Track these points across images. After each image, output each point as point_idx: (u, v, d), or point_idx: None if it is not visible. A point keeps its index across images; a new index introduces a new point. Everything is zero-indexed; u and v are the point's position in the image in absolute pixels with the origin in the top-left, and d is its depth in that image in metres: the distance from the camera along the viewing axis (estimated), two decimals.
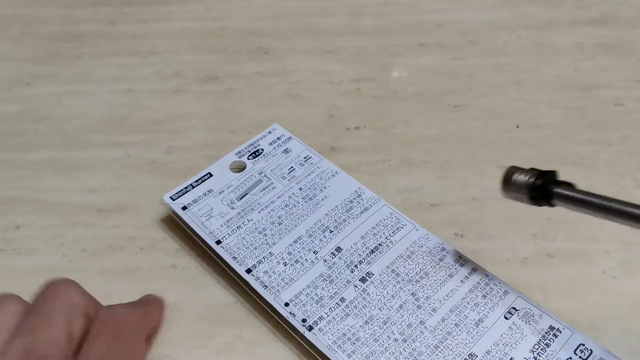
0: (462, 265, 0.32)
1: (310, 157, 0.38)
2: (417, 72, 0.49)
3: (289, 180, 0.37)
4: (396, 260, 0.33)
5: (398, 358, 0.29)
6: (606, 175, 0.40)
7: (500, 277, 0.34)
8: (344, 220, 0.35)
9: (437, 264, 0.32)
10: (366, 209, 0.35)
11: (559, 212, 0.38)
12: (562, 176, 0.40)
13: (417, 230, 0.34)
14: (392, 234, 0.34)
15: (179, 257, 0.35)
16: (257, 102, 0.46)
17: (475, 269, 0.32)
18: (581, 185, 0.39)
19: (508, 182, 0.29)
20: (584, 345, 0.29)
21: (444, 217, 0.38)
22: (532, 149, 0.42)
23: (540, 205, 0.29)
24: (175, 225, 0.36)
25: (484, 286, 0.31)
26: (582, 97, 0.47)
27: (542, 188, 0.28)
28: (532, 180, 0.28)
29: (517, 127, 0.44)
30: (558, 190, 0.28)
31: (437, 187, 0.39)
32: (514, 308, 0.30)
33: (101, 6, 0.55)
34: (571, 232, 0.37)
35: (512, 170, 0.29)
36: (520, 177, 0.28)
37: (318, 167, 0.38)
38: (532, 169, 0.29)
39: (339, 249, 0.33)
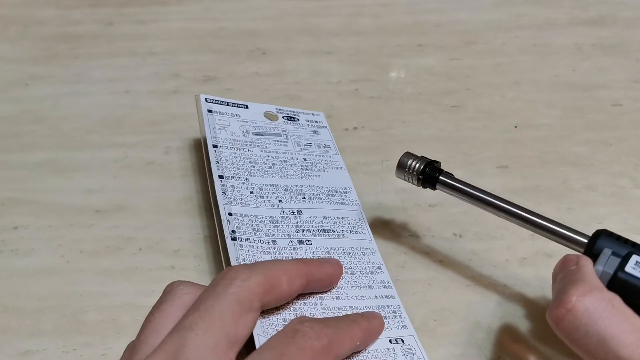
0: (385, 287, 0.33)
1: (330, 148, 0.40)
2: (415, 72, 0.49)
3: (301, 148, 0.40)
4: (337, 249, 0.34)
5: (282, 308, 0.29)
6: (604, 175, 0.40)
7: (499, 277, 0.34)
8: (319, 199, 0.37)
9: (366, 273, 0.33)
10: (342, 203, 0.37)
11: (558, 213, 0.38)
12: (561, 176, 0.40)
13: (369, 242, 0.35)
14: (347, 231, 0.35)
15: (178, 258, 0.35)
16: (256, 103, 0.46)
17: (393, 296, 0.33)
18: (580, 185, 0.40)
19: (402, 167, 0.34)
20: None
21: (442, 218, 0.38)
22: (530, 149, 0.42)
23: (424, 187, 0.34)
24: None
25: (391, 312, 0.32)
26: (580, 98, 0.47)
27: (430, 175, 0.33)
28: (422, 167, 0.33)
29: (515, 127, 0.44)
30: (442, 177, 0.33)
31: None
32: (402, 339, 0.31)
33: (99, 7, 0.55)
34: None
35: (407, 156, 0.34)
36: (413, 163, 0.34)
37: (330, 157, 0.40)
38: (423, 157, 0.34)
39: (299, 212, 0.35)
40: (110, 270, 0.35)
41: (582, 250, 0.29)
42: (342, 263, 0.33)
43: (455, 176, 0.34)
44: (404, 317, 0.32)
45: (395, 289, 0.33)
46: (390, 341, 0.30)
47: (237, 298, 0.25)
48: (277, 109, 0.42)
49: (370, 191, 0.39)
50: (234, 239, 0.32)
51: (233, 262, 0.31)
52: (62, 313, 0.32)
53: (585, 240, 0.29)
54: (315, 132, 0.41)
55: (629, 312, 0.24)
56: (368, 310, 0.31)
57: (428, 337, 0.32)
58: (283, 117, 0.41)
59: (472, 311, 0.33)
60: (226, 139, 0.38)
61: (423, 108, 0.45)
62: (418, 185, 0.34)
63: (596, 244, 0.28)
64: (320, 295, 0.31)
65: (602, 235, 0.29)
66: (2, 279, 0.34)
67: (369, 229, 0.36)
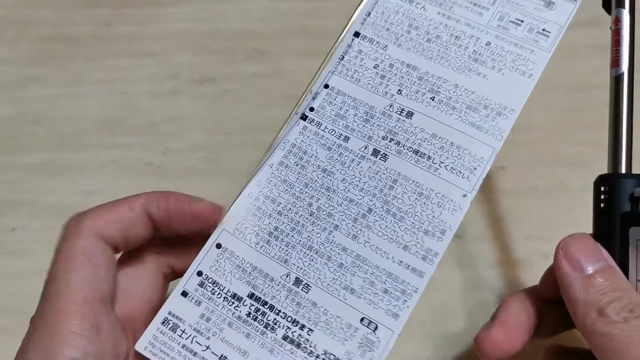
0: (423, 259, 0.27)
1: (547, 37, 0.31)
2: None
3: (498, 26, 0.29)
4: (409, 182, 0.27)
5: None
6: None
7: (497, 277, 0.34)
8: (452, 107, 0.28)
9: (417, 230, 0.26)
10: (477, 127, 0.28)
11: (556, 214, 0.38)
12: (559, 177, 0.40)
13: (464, 196, 0.27)
14: (446, 167, 0.27)
15: None
16: (253, 104, 0.46)
17: (422, 274, 0.27)
18: (577, 186, 0.40)
19: None
20: None
21: None
22: (526, 150, 0.42)
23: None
24: None
25: (400, 291, 0.26)
26: (576, 98, 0.47)
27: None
28: None
29: (513, 128, 0.44)
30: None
31: None
32: (376, 327, 0.26)
33: (97, 8, 0.55)
34: (568, 233, 0.37)
35: None
36: None
37: (531, 52, 0.30)
38: None
39: (410, 114, 0.28)
40: None
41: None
42: (401, 201, 0.27)
43: None
44: (407, 307, 0.26)
45: (436, 265, 0.26)
46: (362, 319, 0.25)
47: (71, 247, 0.25)
48: None
49: None
50: (304, 117, 0.28)
51: (280, 144, 0.27)
52: None
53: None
54: (549, 3, 0.30)
55: None
56: (367, 271, 0.26)
57: (427, 338, 0.32)
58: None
59: (470, 311, 0.33)
60: None
61: None
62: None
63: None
64: (336, 224, 0.27)
65: None
66: None
67: (480, 178, 0.27)
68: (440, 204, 0.27)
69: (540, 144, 0.43)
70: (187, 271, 0.27)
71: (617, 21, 0.29)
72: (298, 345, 0.25)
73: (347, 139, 0.28)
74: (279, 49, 0.51)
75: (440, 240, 0.26)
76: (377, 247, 0.26)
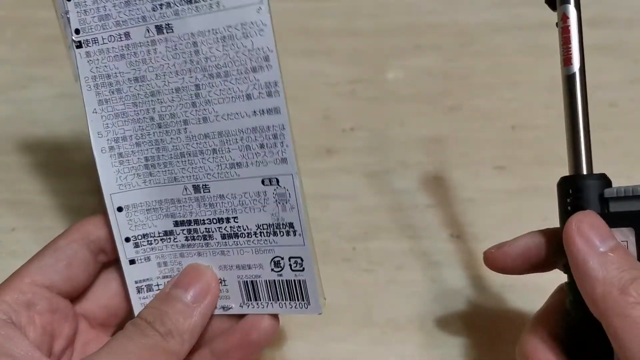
0: (269, 95, 0.25)
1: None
2: (413, 73, 0.49)
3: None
4: (205, 33, 0.25)
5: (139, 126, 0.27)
6: None
7: (496, 277, 0.34)
8: None
9: (246, 72, 0.25)
10: None
11: (556, 213, 0.38)
12: (559, 177, 0.40)
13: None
14: None
15: None
16: None
17: (278, 109, 0.25)
18: None
19: None
20: None
21: (439, 218, 0.38)
22: (527, 150, 0.42)
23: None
24: None
25: (271, 137, 0.26)
26: None
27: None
28: None
29: (513, 128, 0.44)
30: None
31: (432, 188, 0.40)
32: (277, 179, 0.26)
33: None
34: None
35: None
36: None
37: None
38: None
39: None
40: None
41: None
42: (214, 57, 0.25)
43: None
44: (287, 146, 0.25)
45: (283, 94, 0.25)
46: (262, 182, 0.26)
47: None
48: None
49: (368, 192, 0.39)
50: (79, 45, 0.26)
51: (84, 86, 0.28)
52: None
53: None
54: None
55: None
56: (236, 140, 0.26)
57: (426, 338, 0.32)
58: None
59: (470, 312, 0.33)
60: None
61: (420, 109, 0.45)
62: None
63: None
64: (184, 120, 0.26)
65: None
66: None
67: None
68: (245, 34, 0.25)
69: (540, 143, 0.43)
70: (117, 245, 0.28)
71: (565, 18, 0.30)
72: (236, 236, 0.27)
73: (127, 35, 0.26)
74: (279, 49, 0.51)
75: (270, 68, 0.25)
76: (227, 114, 0.26)
